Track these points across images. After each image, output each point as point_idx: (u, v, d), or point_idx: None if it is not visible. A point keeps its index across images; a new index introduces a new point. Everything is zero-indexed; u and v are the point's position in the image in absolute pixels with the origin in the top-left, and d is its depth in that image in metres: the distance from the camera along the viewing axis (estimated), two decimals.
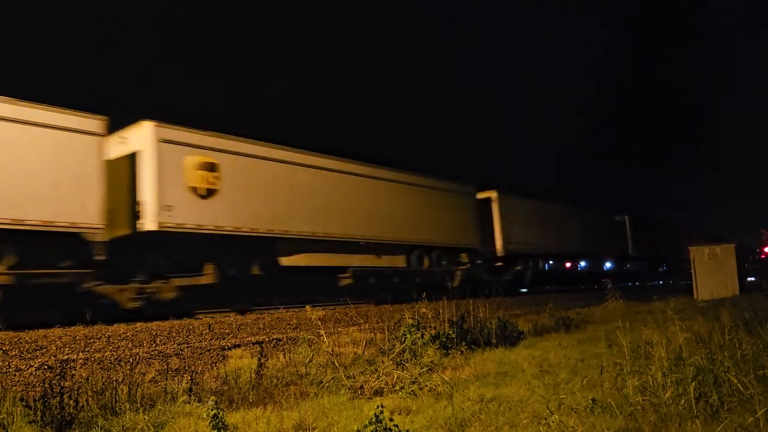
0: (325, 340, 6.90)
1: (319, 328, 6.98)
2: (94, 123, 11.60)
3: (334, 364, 6.41)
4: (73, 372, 6.17)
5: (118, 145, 12.91)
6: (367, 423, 3.68)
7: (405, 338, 6.88)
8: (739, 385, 4.27)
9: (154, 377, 6.25)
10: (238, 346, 8.52)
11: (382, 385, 5.66)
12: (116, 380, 5.42)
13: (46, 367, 6.43)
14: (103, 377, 5.59)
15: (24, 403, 4.78)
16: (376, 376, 5.83)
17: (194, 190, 12.93)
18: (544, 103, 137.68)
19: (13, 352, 7.18)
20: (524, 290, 25.43)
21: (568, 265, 29.39)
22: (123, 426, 4.56)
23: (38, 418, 4.61)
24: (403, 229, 18.34)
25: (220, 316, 12.28)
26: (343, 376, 5.97)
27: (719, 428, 3.69)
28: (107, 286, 11.81)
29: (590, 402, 4.33)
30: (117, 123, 12.74)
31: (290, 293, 15.85)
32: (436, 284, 18.04)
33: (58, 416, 4.61)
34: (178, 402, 5.26)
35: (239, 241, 13.85)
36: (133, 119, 12.87)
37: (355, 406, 5.09)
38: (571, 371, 6.00)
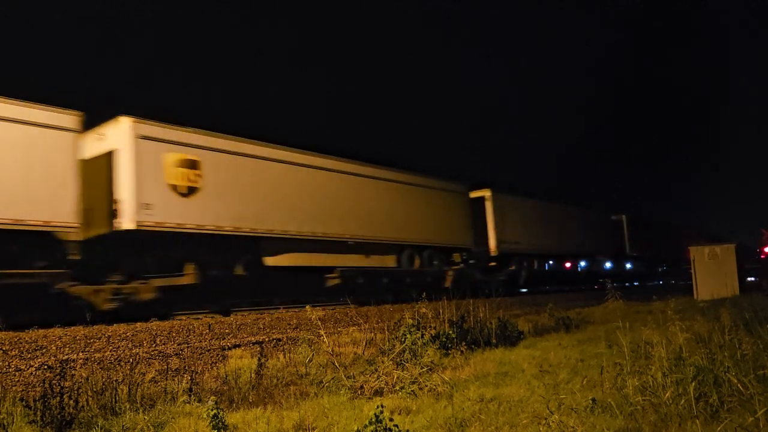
0: (325, 340, 6.90)
1: (319, 328, 6.98)
2: (67, 118, 11.22)
3: (334, 364, 6.41)
4: (73, 372, 6.17)
5: (95, 142, 12.54)
6: (367, 423, 3.68)
7: (405, 338, 6.88)
8: (739, 385, 4.27)
9: (154, 377, 6.25)
10: (238, 346, 8.52)
11: (382, 385, 5.66)
12: (116, 380, 5.42)
13: (46, 367, 6.42)
14: (103, 377, 5.59)
15: (24, 403, 4.78)
16: (376, 376, 5.83)
17: (174, 188, 12.61)
18: (544, 103, 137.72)
19: (13, 352, 7.18)
20: (524, 290, 25.40)
21: (568, 265, 29.35)
22: (123, 426, 4.56)
23: (38, 418, 4.61)
24: (393, 228, 18.00)
25: (220, 317, 12.27)
26: (343, 376, 5.97)
27: (719, 428, 3.69)
28: (82, 287, 11.47)
29: (590, 402, 4.33)
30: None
31: (276, 294, 15.54)
32: (428, 284, 17.78)
33: (58, 416, 4.61)
34: (178, 402, 5.26)
35: (222, 241, 13.53)
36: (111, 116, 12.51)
37: (355, 406, 5.10)
38: (571, 371, 6.00)
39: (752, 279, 24.13)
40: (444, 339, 7.73)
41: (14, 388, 5.91)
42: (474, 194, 22.42)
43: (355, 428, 3.78)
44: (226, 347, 8.37)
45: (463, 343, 7.41)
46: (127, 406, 4.99)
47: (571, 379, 5.48)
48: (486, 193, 22.76)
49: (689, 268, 18.71)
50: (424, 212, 19.41)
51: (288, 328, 10.39)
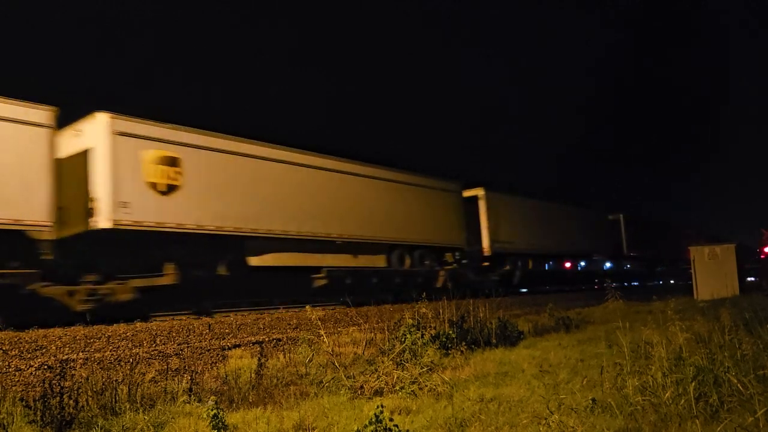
0: (325, 340, 6.90)
1: (319, 328, 6.98)
2: (40, 114, 10.82)
3: (334, 364, 6.41)
4: (73, 372, 6.17)
5: (72, 138, 12.16)
6: (367, 423, 3.68)
7: (405, 338, 6.88)
8: (739, 385, 4.27)
9: (154, 377, 6.25)
10: (238, 346, 8.52)
11: (382, 385, 5.66)
12: (116, 380, 5.43)
13: (46, 367, 6.43)
14: (103, 377, 5.59)
15: (24, 403, 4.78)
16: (376, 376, 5.83)
17: (153, 185, 12.23)
18: (544, 103, 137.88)
19: (13, 352, 7.18)
20: (524, 290, 25.36)
21: (568, 265, 29.30)
22: (123, 426, 4.56)
23: (38, 418, 4.61)
24: (383, 227, 17.52)
25: (220, 316, 12.26)
26: (343, 376, 5.97)
27: (719, 428, 3.68)
28: (54, 288, 11.07)
29: (590, 402, 4.33)
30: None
31: (260, 294, 15.24)
32: (419, 285, 17.52)
33: (58, 416, 4.61)
34: (178, 402, 5.26)
35: (203, 240, 13.16)
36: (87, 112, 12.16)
37: (355, 406, 5.10)
38: (571, 371, 6.00)
39: (752, 279, 24.15)
40: (444, 339, 7.73)
41: (14, 388, 5.91)
42: (467, 193, 22.14)
43: (355, 428, 3.78)
44: (226, 347, 8.37)
45: (463, 343, 7.40)
46: (127, 406, 4.99)
47: (571, 379, 5.48)
48: (479, 192, 22.50)
49: (689, 268, 18.72)
50: (416, 211, 19.01)
51: (288, 328, 10.39)
